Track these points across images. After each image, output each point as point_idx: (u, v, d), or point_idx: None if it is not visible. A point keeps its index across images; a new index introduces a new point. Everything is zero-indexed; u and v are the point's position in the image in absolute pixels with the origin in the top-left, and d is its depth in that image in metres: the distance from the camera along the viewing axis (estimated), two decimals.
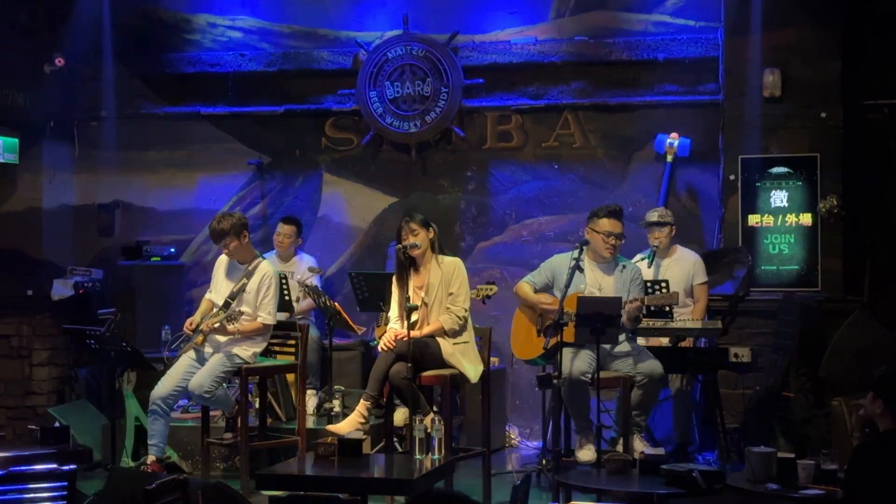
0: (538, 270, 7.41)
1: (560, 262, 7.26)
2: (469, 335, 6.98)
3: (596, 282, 7.14)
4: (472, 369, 6.89)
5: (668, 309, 7.54)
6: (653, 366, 7.03)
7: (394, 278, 7.05)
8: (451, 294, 6.91)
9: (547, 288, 7.32)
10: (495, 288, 8.16)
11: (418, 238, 6.89)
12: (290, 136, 9.93)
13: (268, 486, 5.99)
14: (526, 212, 9.51)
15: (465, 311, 6.94)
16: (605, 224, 7.16)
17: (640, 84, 9.31)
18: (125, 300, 9.26)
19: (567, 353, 6.83)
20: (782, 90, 8.63)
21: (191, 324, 7.37)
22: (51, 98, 9.71)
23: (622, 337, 6.98)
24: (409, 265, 6.94)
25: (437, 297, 6.92)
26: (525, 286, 7.35)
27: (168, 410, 7.29)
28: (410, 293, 6.92)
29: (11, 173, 9.72)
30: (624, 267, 7.21)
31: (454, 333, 6.90)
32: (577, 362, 6.84)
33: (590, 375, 6.74)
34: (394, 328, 6.96)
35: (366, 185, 9.81)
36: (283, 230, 9.05)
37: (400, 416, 7.33)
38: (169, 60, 10.05)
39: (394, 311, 7.03)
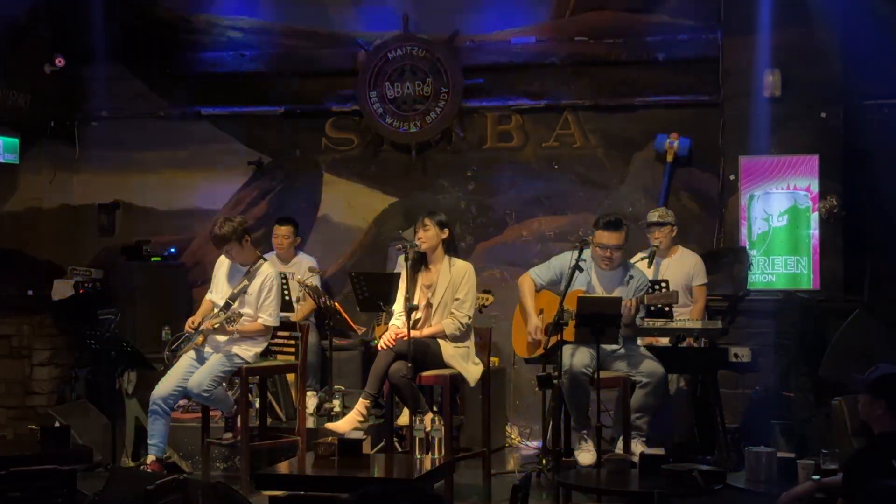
0: (546, 266, 7.32)
1: (569, 260, 7.19)
2: (471, 341, 6.99)
3: (600, 290, 7.09)
4: (472, 373, 6.89)
5: (667, 309, 7.54)
6: (653, 367, 7.01)
7: (403, 272, 7.02)
8: (457, 299, 6.91)
9: (553, 284, 7.26)
10: (491, 298, 8.16)
11: (426, 234, 6.94)
12: (290, 136, 9.93)
13: (268, 486, 5.99)
14: (526, 212, 9.51)
15: (469, 318, 6.94)
16: (601, 236, 7.06)
17: (640, 84, 9.31)
18: (125, 300, 9.26)
19: (567, 347, 6.82)
20: (782, 90, 8.63)
21: (192, 323, 7.38)
22: (51, 98, 9.71)
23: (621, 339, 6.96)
24: (420, 263, 6.97)
25: (442, 300, 6.93)
26: (529, 281, 7.28)
27: (168, 410, 7.29)
28: (417, 291, 6.94)
29: (11, 173, 9.71)
30: (631, 277, 7.14)
31: (455, 339, 6.90)
32: (578, 356, 6.81)
33: (591, 370, 6.72)
34: (395, 324, 6.96)
35: (366, 185, 9.81)
36: (281, 231, 9.04)
37: (406, 416, 7.33)
38: (169, 60, 10.05)
39: (399, 304, 7.03)
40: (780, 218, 8.70)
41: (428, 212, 7.18)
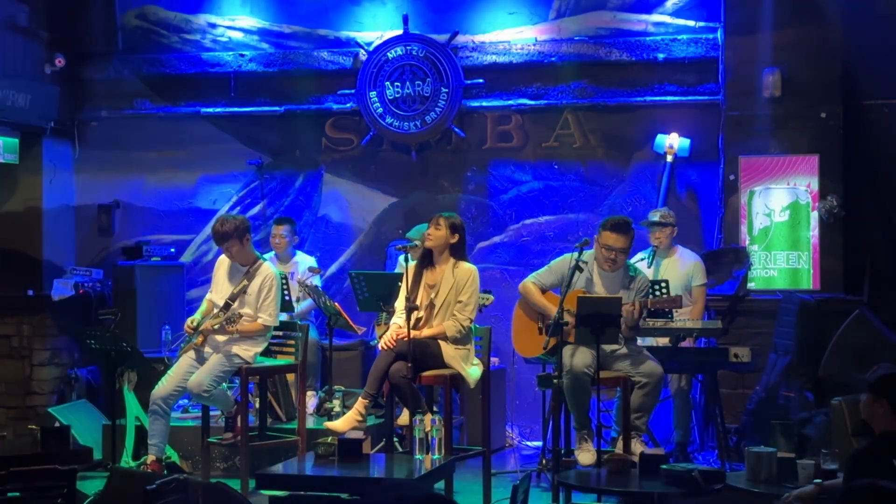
0: (548, 270, 7.29)
1: (569, 262, 7.17)
2: (471, 344, 6.98)
3: (602, 291, 7.09)
4: (472, 374, 6.89)
5: (667, 309, 7.54)
6: (653, 367, 7.01)
7: (407, 270, 6.99)
8: (459, 302, 6.90)
9: (556, 287, 7.22)
10: (491, 298, 8.16)
11: (438, 233, 6.93)
12: (290, 136, 9.93)
13: (268, 486, 5.99)
14: (526, 212, 9.51)
15: (471, 321, 6.93)
16: (608, 238, 7.03)
17: (640, 84, 9.31)
18: (125, 300, 9.26)
19: (567, 347, 6.82)
20: (782, 90, 8.64)
21: (192, 322, 7.38)
22: (51, 98, 9.70)
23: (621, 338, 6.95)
24: (426, 261, 6.96)
25: (445, 301, 6.92)
26: (532, 287, 7.27)
27: (168, 410, 7.29)
28: (420, 289, 6.94)
29: (11, 173, 9.71)
30: (633, 278, 7.13)
31: (455, 341, 6.89)
32: (579, 356, 6.80)
33: (592, 370, 6.71)
34: (396, 323, 6.96)
35: (366, 185, 9.81)
36: (277, 231, 9.06)
37: (406, 416, 7.32)
38: (169, 60, 10.05)
39: (401, 301, 7.03)
40: (783, 213, 8.71)
41: (446, 212, 7.15)
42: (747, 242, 8.71)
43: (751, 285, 8.58)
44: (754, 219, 8.76)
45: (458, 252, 7.02)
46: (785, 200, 8.70)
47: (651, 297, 7.27)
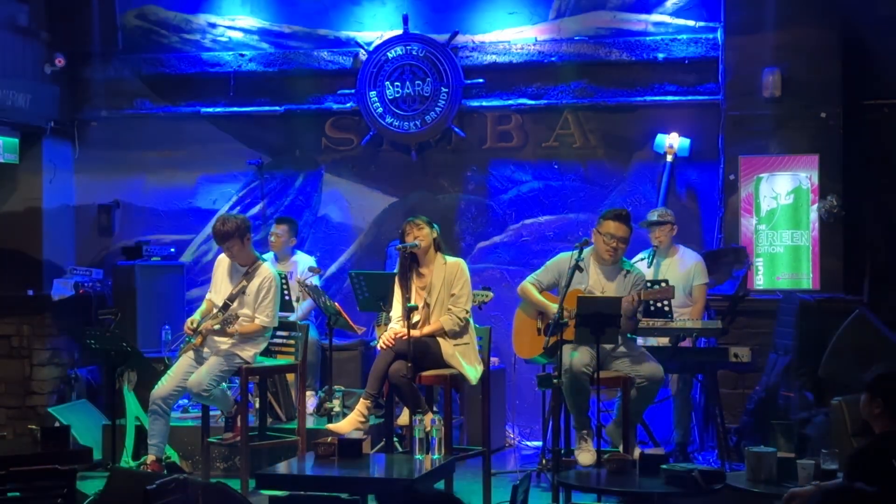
0: (544, 269, 7.28)
1: (566, 261, 7.18)
2: (470, 337, 6.98)
3: (599, 284, 7.08)
4: (472, 371, 6.89)
5: (667, 309, 7.53)
6: (654, 369, 6.98)
7: (396, 277, 7.06)
8: (452, 295, 6.92)
9: (554, 287, 7.24)
10: (491, 294, 8.16)
11: (422, 233, 6.95)
12: (290, 136, 9.93)
13: (268, 486, 5.99)
14: (526, 212, 9.52)
15: (467, 312, 6.94)
16: (609, 227, 7.03)
17: (640, 84, 9.32)
18: (125, 300, 9.26)
19: (567, 347, 6.81)
20: (782, 90, 8.64)
21: (191, 323, 7.38)
22: (51, 98, 9.71)
23: (622, 338, 6.94)
24: (412, 265, 6.98)
25: (439, 298, 6.93)
26: (530, 287, 7.26)
27: (168, 410, 7.30)
28: (413, 293, 6.94)
29: (11, 173, 9.71)
30: (628, 272, 7.13)
31: (454, 335, 6.90)
32: (578, 356, 6.79)
33: (591, 369, 6.71)
34: (394, 327, 6.96)
35: (366, 185, 9.81)
36: (275, 230, 9.10)
37: (406, 416, 7.32)
38: (169, 60, 10.05)
39: (395, 310, 7.04)
40: (788, 196, 8.74)
41: (413, 214, 7.22)
42: (755, 224, 8.72)
43: (758, 261, 8.62)
44: (762, 202, 8.76)
45: (441, 245, 7.07)
46: (789, 185, 8.72)
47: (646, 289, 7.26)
